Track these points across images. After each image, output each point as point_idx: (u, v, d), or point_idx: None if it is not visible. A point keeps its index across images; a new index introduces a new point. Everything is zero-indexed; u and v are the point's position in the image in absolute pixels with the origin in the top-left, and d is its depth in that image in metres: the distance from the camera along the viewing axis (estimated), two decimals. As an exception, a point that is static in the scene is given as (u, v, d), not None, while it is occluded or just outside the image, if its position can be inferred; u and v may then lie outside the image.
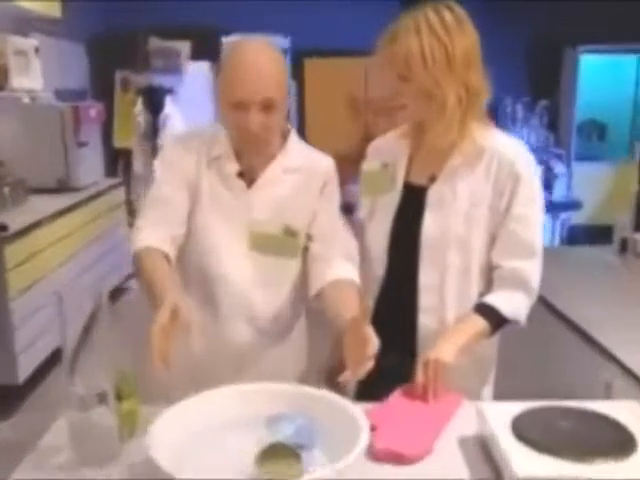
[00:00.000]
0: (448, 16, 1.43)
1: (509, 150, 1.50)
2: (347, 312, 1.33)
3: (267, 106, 1.38)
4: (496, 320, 1.49)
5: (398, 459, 1.20)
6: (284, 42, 5.70)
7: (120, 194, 4.98)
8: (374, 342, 1.24)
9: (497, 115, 5.49)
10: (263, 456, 1.07)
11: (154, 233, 1.43)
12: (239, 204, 1.51)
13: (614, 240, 2.77)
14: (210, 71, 5.75)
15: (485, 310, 1.49)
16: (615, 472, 1.05)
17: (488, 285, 1.54)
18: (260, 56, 1.39)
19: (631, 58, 6.56)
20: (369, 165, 1.66)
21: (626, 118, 6.71)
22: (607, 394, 1.76)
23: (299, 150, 1.56)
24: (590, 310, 1.47)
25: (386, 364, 1.55)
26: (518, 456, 1.08)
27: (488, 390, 1.64)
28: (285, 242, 1.52)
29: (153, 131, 5.41)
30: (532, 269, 1.51)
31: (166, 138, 1.75)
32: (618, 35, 5.57)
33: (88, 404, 1.16)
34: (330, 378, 1.80)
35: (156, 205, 1.48)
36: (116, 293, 4.59)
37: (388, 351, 1.55)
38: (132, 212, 5.09)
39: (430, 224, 1.52)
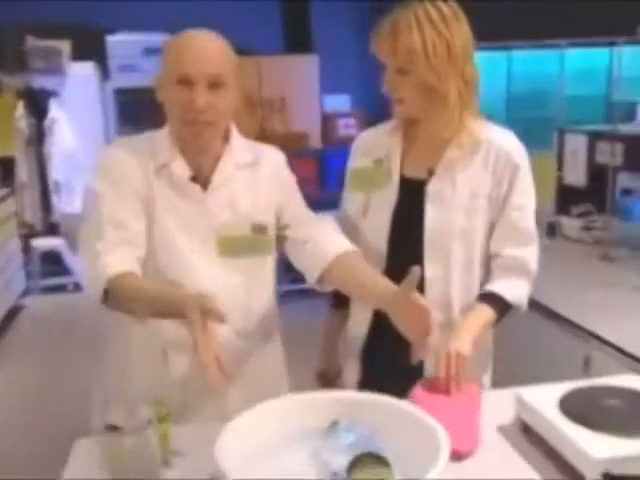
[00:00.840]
0: (446, 10, 1.44)
1: (505, 141, 1.53)
2: (372, 281, 1.36)
3: (214, 83, 1.33)
4: (502, 308, 1.51)
5: (452, 455, 1.18)
6: (173, 41, 5.53)
7: (9, 206, 4.59)
8: (428, 310, 1.24)
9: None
10: (353, 465, 1.01)
11: (120, 257, 1.31)
12: (198, 210, 1.42)
13: (542, 225, 2.94)
14: (96, 72, 5.45)
15: (491, 299, 1.51)
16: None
17: (486, 274, 1.57)
18: (206, 36, 1.37)
19: (501, 55, 7.00)
20: (360, 162, 1.63)
21: (500, 113, 7.15)
22: (586, 369, 1.86)
23: (244, 146, 1.50)
24: (548, 292, 1.54)
25: (392, 359, 1.56)
26: (587, 439, 1.10)
27: (487, 377, 1.66)
28: (256, 240, 1.46)
29: (38, 137, 5.04)
30: (532, 255, 1.55)
31: (105, 151, 1.50)
32: (487, 34, 5.92)
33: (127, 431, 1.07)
34: (322, 379, 1.77)
35: (110, 225, 1.34)
36: (14, 310, 4.24)
37: (393, 346, 1.55)
38: (23, 224, 4.72)
39: (432, 217, 1.52)
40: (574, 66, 5.80)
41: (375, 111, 5.96)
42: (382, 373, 1.57)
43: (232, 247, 1.43)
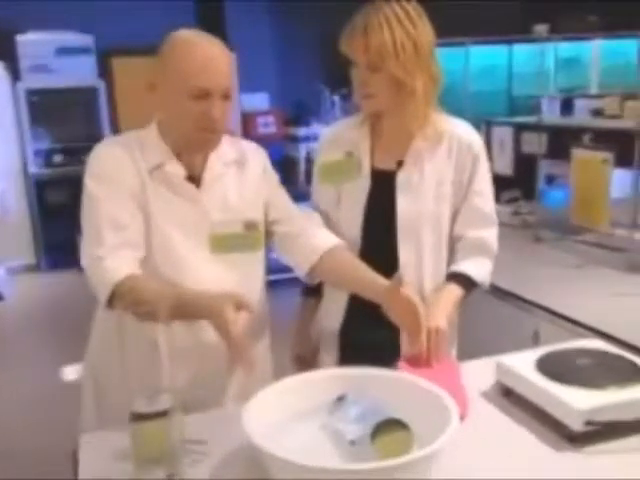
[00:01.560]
0: (411, 10, 1.55)
1: (466, 133, 1.66)
2: (364, 274, 1.44)
3: (226, 95, 1.38)
4: (469, 286, 1.64)
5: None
6: (87, 40, 5.38)
7: None
8: (417, 306, 1.34)
9: (320, 105, 5.77)
10: (375, 432, 1.09)
11: (122, 260, 1.32)
12: (192, 208, 1.45)
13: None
14: (5, 71, 5.23)
15: (460, 278, 1.63)
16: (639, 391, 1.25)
17: (451, 255, 1.70)
18: (215, 46, 1.39)
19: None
20: (330, 155, 1.71)
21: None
22: (535, 339, 2.03)
23: (229, 143, 1.54)
24: (493, 271, 1.71)
25: (368, 340, 1.66)
26: (567, 394, 1.24)
27: (454, 350, 1.79)
28: (247, 237, 1.51)
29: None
30: (493, 236, 1.69)
31: (96, 151, 1.48)
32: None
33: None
34: (298, 363, 1.84)
35: (113, 229, 1.35)
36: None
37: (369, 328, 1.65)
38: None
39: (403, 205, 1.63)
40: (477, 63, 6.14)
41: (293, 108, 6.08)
42: (359, 354, 1.66)
43: (225, 244, 1.47)
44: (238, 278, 1.49)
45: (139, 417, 1.11)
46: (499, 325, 2.18)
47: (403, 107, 1.59)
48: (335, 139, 1.73)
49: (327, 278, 1.56)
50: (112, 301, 1.31)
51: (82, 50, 5.39)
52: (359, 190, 1.66)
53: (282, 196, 1.61)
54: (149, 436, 1.11)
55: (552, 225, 2.84)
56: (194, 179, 1.46)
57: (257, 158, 1.58)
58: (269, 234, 1.57)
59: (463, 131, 1.67)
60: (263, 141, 4.77)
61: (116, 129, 5.64)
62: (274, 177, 1.61)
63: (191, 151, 1.44)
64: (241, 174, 1.53)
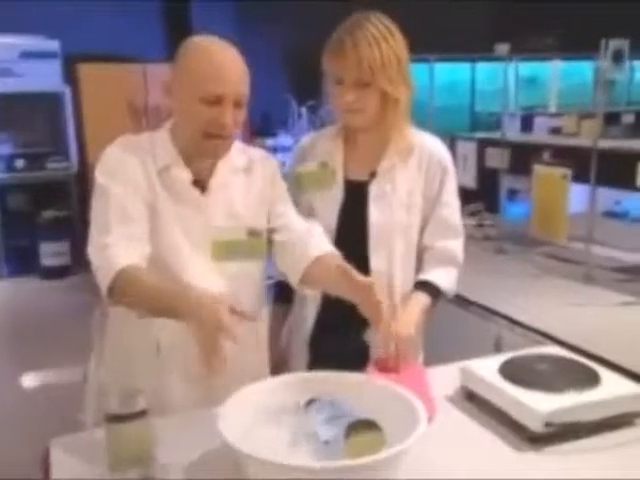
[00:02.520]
0: (390, 25, 1.61)
1: (436, 147, 1.74)
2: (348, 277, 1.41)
3: (238, 102, 1.41)
4: (437, 294, 1.70)
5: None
6: (52, 45, 5.33)
7: None
8: (383, 309, 1.37)
9: (287, 117, 5.82)
10: (348, 432, 1.13)
11: (128, 250, 1.34)
12: (196, 213, 1.47)
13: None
14: (-32, 74, 5.14)
15: (427, 287, 1.69)
16: (596, 395, 1.32)
17: (419, 264, 1.76)
18: (229, 52, 1.42)
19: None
20: (304, 166, 1.75)
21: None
22: (497, 347, 2.10)
23: (239, 149, 1.57)
24: (459, 282, 1.78)
25: (338, 346, 1.71)
26: (528, 398, 1.30)
27: (421, 356, 1.84)
28: (251, 245, 1.52)
29: None
30: (460, 247, 1.76)
31: (109, 150, 1.49)
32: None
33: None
34: (273, 368, 1.87)
35: (121, 221, 1.37)
36: None
37: (339, 334, 1.70)
38: None
39: (376, 215, 1.68)
40: (442, 79, 6.28)
41: (260, 119, 6.11)
42: (328, 363, 1.70)
43: (226, 251, 1.48)
44: (235, 285, 1.49)
45: (114, 418, 1.13)
46: (463, 333, 2.25)
47: (385, 119, 1.64)
48: (310, 150, 1.78)
49: (317, 285, 1.56)
50: (113, 290, 1.31)
51: (47, 55, 5.33)
52: (332, 200, 1.71)
53: (286, 205, 1.61)
54: (124, 437, 1.13)
55: (513, 237, 2.94)
56: (200, 184, 1.48)
57: (266, 167, 1.59)
58: (269, 243, 1.58)
59: (433, 145, 1.74)
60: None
61: (81, 135, 5.59)
62: (282, 187, 1.61)
63: (200, 157, 1.46)
64: (248, 182, 1.54)
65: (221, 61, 1.39)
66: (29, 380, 3.48)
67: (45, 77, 5.33)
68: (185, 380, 1.49)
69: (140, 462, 1.14)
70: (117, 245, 1.34)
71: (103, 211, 1.39)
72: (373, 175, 1.70)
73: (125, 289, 1.31)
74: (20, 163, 5.52)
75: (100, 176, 1.42)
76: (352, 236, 1.70)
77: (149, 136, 1.49)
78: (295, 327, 1.79)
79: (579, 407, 1.28)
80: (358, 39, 1.56)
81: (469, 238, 3.05)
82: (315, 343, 1.76)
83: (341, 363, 1.54)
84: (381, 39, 1.57)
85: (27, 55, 5.29)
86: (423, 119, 3.56)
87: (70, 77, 5.49)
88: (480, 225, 3.10)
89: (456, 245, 1.75)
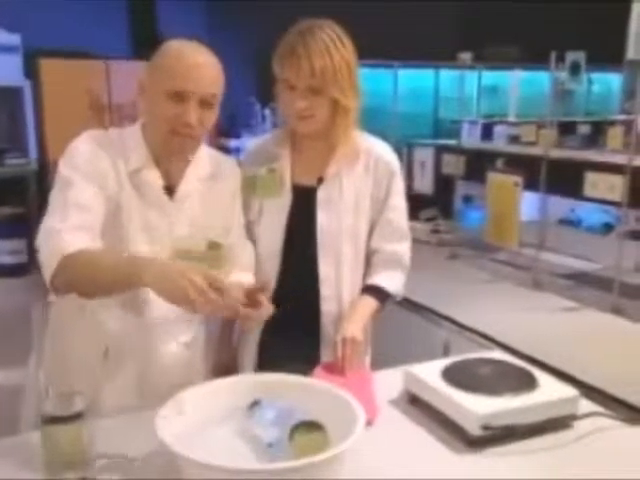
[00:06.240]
0: (341, 33, 1.62)
1: (383, 151, 1.76)
2: None
3: (205, 102, 1.41)
4: (384, 298, 1.73)
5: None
6: (13, 39, 5.23)
7: None
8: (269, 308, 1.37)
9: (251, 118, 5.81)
10: (292, 434, 1.15)
11: (80, 239, 1.32)
12: (162, 219, 1.47)
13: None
14: None
15: (375, 291, 1.72)
16: (532, 399, 1.35)
17: (366, 268, 1.78)
18: (202, 53, 1.43)
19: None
20: (252, 170, 1.74)
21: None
22: (446, 351, 2.14)
23: (208, 156, 1.58)
24: (408, 285, 1.81)
25: (287, 349, 1.71)
26: (468, 400, 1.33)
27: (368, 359, 1.86)
28: (209, 256, 1.51)
29: None
30: (407, 250, 1.79)
31: (77, 144, 1.42)
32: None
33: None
34: (218, 372, 1.87)
35: (75, 209, 1.35)
36: None
37: (292, 336, 1.71)
38: None
39: (323, 221, 1.70)
40: (406, 86, 6.34)
41: (224, 120, 6.10)
42: (278, 364, 1.71)
43: (186, 258, 1.47)
44: None
45: (49, 420, 1.12)
46: (412, 337, 2.28)
47: (334, 125, 1.66)
48: (257, 154, 1.77)
49: None
50: (58, 274, 1.29)
51: (8, 49, 5.24)
52: (281, 205, 1.71)
53: (239, 225, 1.64)
54: (59, 439, 1.12)
55: (467, 243, 2.99)
56: (169, 189, 1.48)
57: (232, 177, 1.61)
58: None
59: (381, 149, 1.76)
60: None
61: (41, 132, 5.50)
62: (240, 202, 1.65)
63: (168, 156, 1.46)
64: (214, 191, 1.55)
65: (191, 59, 1.40)
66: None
67: (5, 71, 5.23)
68: (129, 385, 1.49)
69: (76, 464, 1.13)
70: (66, 231, 1.32)
71: (60, 200, 1.38)
72: (320, 181, 1.71)
73: (74, 269, 1.28)
74: (-22, 158, 5.40)
75: (64, 168, 1.41)
76: (301, 241, 1.71)
77: (119, 133, 1.48)
78: (245, 329, 1.79)
79: (516, 410, 1.32)
80: (310, 46, 1.57)
81: (424, 243, 3.12)
82: (265, 345, 1.77)
83: (290, 365, 1.56)
84: (332, 47, 1.58)
85: (-2, 50, 5.19)
86: (386, 125, 3.61)
87: (31, 72, 5.40)
88: (435, 231, 3.14)
89: (403, 248, 1.77)
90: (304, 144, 1.73)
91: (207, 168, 1.55)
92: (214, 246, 1.51)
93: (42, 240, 1.35)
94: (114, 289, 1.33)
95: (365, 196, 1.72)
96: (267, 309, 1.35)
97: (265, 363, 1.76)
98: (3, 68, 5.19)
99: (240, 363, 1.82)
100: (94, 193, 1.39)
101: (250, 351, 1.78)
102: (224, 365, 1.86)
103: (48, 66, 5.42)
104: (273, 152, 1.74)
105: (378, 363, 1.81)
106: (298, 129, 1.68)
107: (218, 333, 1.88)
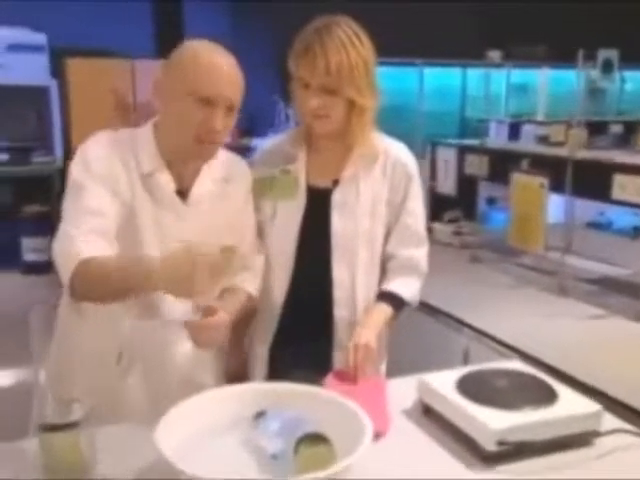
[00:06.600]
0: (360, 32, 1.57)
1: (401, 153, 1.70)
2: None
3: (230, 108, 1.39)
4: (399, 305, 1.67)
5: (367, 436, 1.31)
6: (39, 38, 5.27)
7: None
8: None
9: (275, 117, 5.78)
10: (297, 446, 1.11)
11: (97, 245, 1.30)
12: (176, 223, 1.45)
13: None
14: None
15: (390, 297, 1.66)
16: (552, 413, 1.29)
17: (382, 273, 1.72)
18: (228, 58, 1.41)
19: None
20: (266, 171, 1.70)
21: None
22: (465, 359, 2.07)
23: (221, 157, 1.54)
24: (428, 290, 1.75)
25: (298, 358, 1.67)
26: (483, 414, 1.27)
27: (383, 367, 1.81)
28: (222, 260, 1.44)
29: None
30: (423, 256, 1.73)
31: (88, 147, 1.40)
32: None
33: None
34: (229, 378, 1.83)
35: (89, 214, 1.33)
36: None
37: (304, 342, 1.66)
38: None
39: (338, 224, 1.65)
40: (432, 85, 6.25)
41: (249, 119, 6.09)
42: (289, 370, 1.66)
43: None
44: None
45: (49, 428, 1.09)
46: (430, 343, 2.22)
47: (350, 126, 1.61)
48: (269, 156, 1.73)
49: None
50: (75, 281, 1.28)
51: (35, 48, 5.28)
52: (295, 207, 1.67)
53: (251, 229, 1.62)
54: (59, 447, 1.10)
55: (491, 246, 2.92)
56: (181, 192, 1.45)
57: (245, 179, 1.59)
58: None
59: (398, 151, 1.70)
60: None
61: (67, 130, 5.54)
62: (251, 204, 1.62)
63: (185, 161, 1.44)
64: (227, 193, 1.53)
65: (219, 63, 1.38)
66: (5, 377, 3.42)
67: (32, 70, 5.28)
68: (140, 390, 1.47)
69: (74, 473, 1.11)
70: (83, 238, 1.31)
71: (74, 205, 1.36)
72: (336, 183, 1.66)
73: (88, 276, 1.28)
74: (3, 157, 5.46)
75: (76, 172, 1.38)
76: (314, 245, 1.66)
77: (130, 133, 1.45)
78: (256, 335, 1.75)
79: (533, 425, 1.26)
80: (326, 43, 1.52)
81: (446, 245, 3.06)
82: (276, 350, 1.73)
83: (302, 372, 1.52)
84: (349, 44, 1.53)
85: (14, 48, 5.23)
86: (412, 124, 3.56)
87: (57, 71, 5.44)
88: (458, 233, 3.07)
89: (420, 254, 1.72)
90: (320, 145, 1.68)
91: (220, 170, 1.52)
92: (227, 249, 1.46)
93: (58, 247, 1.34)
94: (127, 293, 1.31)
95: (381, 200, 1.67)
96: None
97: (276, 369, 1.72)
98: (30, 68, 5.24)
99: (251, 369, 1.78)
100: (107, 198, 1.37)
101: (261, 356, 1.74)
102: (234, 371, 1.83)
103: (74, 65, 5.45)
104: (288, 152, 1.70)
105: (394, 370, 1.76)
106: (313, 129, 1.63)
107: (228, 344, 1.84)
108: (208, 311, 1.34)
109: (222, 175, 1.53)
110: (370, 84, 1.58)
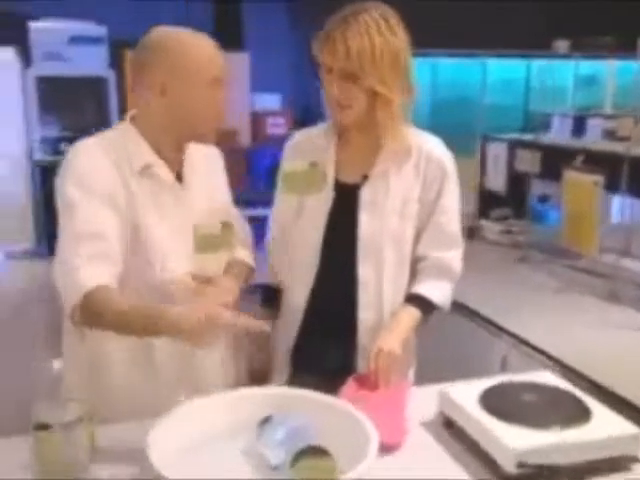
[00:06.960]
0: (391, 19, 1.49)
1: (435, 148, 1.60)
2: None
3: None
4: (428, 309, 1.58)
5: (380, 447, 1.23)
6: (100, 30, 5.37)
7: None
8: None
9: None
10: (296, 458, 1.06)
11: (97, 271, 1.26)
12: (179, 209, 1.43)
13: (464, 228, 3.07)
14: (16, 57, 5.24)
15: (419, 301, 1.57)
16: (582, 434, 1.18)
17: (412, 275, 1.63)
18: (208, 39, 1.42)
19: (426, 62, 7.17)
20: (294, 164, 1.65)
21: (424, 118, 7.30)
22: (503, 366, 1.96)
23: None
24: (468, 292, 1.63)
25: (321, 358, 1.61)
26: (504, 432, 1.17)
27: (412, 372, 1.73)
28: (225, 236, 1.50)
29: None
30: (457, 258, 1.63)
31: (75, 155, 1.35)
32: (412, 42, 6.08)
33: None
34: (252, 378, 1.79)
35: (87, 239, 1.28)
36: None
37: (327, 344, 1.60)
38: None
39: (366, 223, 1.57)
40: (494, 76, 6.03)
41: (303, 110, 6.04)
42: (311, 372, 1.60)
43: (205, 244, 1.46)
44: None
45: (42, 426, 1.08)
46: (467, 348, 2.11)
47: (376, 119, 1.53)
48: (300, 147, 1.67)
49: None
50: (79, 311, 1.25)
51: (95, 40, 5.39)
52: (321, 203, 1.60)
53: (229, 201, 1.62)
54: (52, 446, 1.09)
55: (541, 246, 2.76)
56: (177, 177, 1.45)
57: (215, 153, 1.59)
58: None
59: (433, 146, 1.60)
60: (272, 141, 4.75)
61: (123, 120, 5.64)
62: (225, 176, 1.62)
63: (179, 149, 1.45)
64: (208, 169, 1.54)
65: (210, 46, 1.40)
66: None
67: (92, 62, 5.39)
68: (175, 388, 1.43)
69: (68, 472, 1.08)
70: (85, 266, 1.26)
71: (72, 228, 1.30)
72: (366, 178, 1.58)
73: (94, 310, 1.23)
74: (65, 146, 5.60)
75: (69, 187, 1.32)
76: (340, 243, 1.59)
77: (114, 135, 1.41)
78: (278, 336, 1.69)
79: (560, 447, 1.15)
80: (349, 28, 1.45)
81: (493, 244, 2.92)
82: (298, 352, 1.67)
83: (324, 375, 1.46)
84: (374, 29, 1.45)
85: (76, 40, 5.36)
86: (473, 117, 3.43)
87: (115, 62, 5.53)
88: (507, 231, 2.92)
89: (453, 256, 1.62)
90: (350, 139, 1.60)
91: (198, 149, 1.50)
92: (227, 226, 1.52)
93: (59, 274, 1.29)
94: (131, 333, 1.27)
95: (413, 199, 1.58)
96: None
97: (298, 371, 1.66)
98: (90, 59, 5.36)
99: (273, 369, 1.73)
100: (105, 213, 1.32)
101: (284, 358, 1.68)
102: (258, 370, 1.78)
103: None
104: (318, 145, 1.63)
105: (425, 376, 1.67)
106: (335, 119, 1.56)
107: (251, 340, 1.79)
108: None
109: (202, 153, 1.52)
110: (399, 75, 1.49)
